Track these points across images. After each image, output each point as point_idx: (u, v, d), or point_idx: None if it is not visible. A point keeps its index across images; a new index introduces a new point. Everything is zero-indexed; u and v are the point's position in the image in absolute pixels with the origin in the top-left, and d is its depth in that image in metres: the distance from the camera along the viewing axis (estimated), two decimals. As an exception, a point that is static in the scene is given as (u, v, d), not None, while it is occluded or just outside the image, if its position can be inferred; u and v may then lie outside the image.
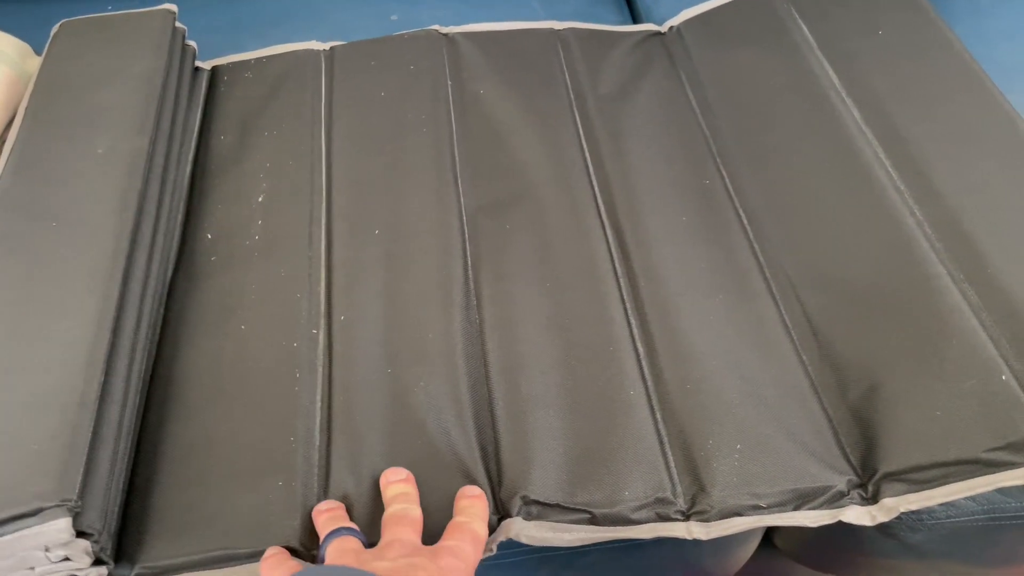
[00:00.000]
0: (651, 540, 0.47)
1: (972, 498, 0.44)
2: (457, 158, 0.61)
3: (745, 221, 0.55)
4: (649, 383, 0.48)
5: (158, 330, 0.51)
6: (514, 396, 0.47)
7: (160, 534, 0.42)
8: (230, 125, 0.65)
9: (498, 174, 0.60)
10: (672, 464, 0.44)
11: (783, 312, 0.50)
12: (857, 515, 0.42)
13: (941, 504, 0.43)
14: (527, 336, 0.50)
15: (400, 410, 0.47)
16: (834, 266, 0.50)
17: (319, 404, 0.47)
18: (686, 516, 0.43)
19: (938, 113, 0.54)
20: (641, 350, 0.49)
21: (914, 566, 0.50)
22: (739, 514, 0.42)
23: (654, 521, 0.43)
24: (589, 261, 0.53)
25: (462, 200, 0.58)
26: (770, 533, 0.54)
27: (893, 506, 0.41)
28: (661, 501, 0.43)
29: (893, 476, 0.42)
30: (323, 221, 0.57)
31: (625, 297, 0.52)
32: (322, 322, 0.51)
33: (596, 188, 0.58)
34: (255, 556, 0.41)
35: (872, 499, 0.43)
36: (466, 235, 0.56)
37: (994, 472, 0.40)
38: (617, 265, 0.53)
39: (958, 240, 0.48)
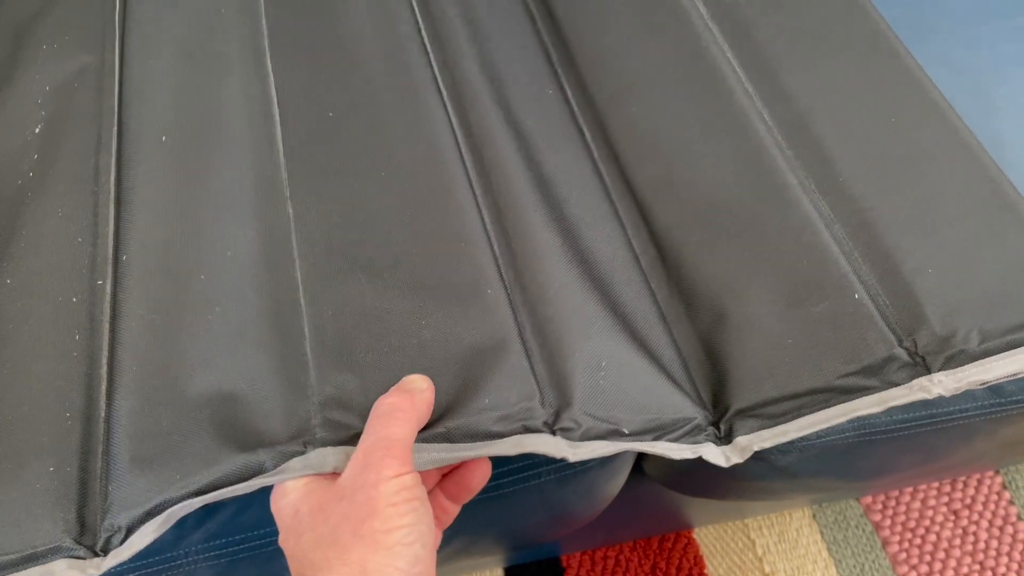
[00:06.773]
0: (513, 488, 0.44)
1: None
2: (268, 39, 0.52)
3: (587, 134, 0.50)
4: (508, 283, 0.41)
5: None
6: (337, 308, 0.40)
7: None
8: (0, 37, 0.54)
9: (318, 53, 0.51)
10: (538, 371, 0.39)
11: (630, 236, 0.45)
12: (713, 455, 0.39)
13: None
14: (353, 236, 0.42)
15: (190, 351, 0.39)
16: (682, 181, 0.45)
17: (104, 369, 0.40)
18: (552, 430, 0.37)
19: (787, 3, 0.49)
20: (497, 248, 0.43)
21: (784, 486, 0.49)
22: (602, 438, 0.37)
23: (520, 433, 0.37)
24: (430, 147, 0.46)
25: (273, 89, 0.49)
26: (640, 460, 0.51)
27: (746, 445, 0.38)
28: (527, 411, 0.37)
29: (745, 412, 0.39)
30: (113, 147, 0.48)
31: (475, 187, 0.45)
32: (109, 269, 0.43)
33: (434, 65, 0.51)
34: (28, 561, 0.34)
35: (725, 438, 0.39)
36: (278, 124, 0.48)
37: (849, 399, 0.37)
38: (464, 153, 0.46)
39: (808, 147, 0.44)
